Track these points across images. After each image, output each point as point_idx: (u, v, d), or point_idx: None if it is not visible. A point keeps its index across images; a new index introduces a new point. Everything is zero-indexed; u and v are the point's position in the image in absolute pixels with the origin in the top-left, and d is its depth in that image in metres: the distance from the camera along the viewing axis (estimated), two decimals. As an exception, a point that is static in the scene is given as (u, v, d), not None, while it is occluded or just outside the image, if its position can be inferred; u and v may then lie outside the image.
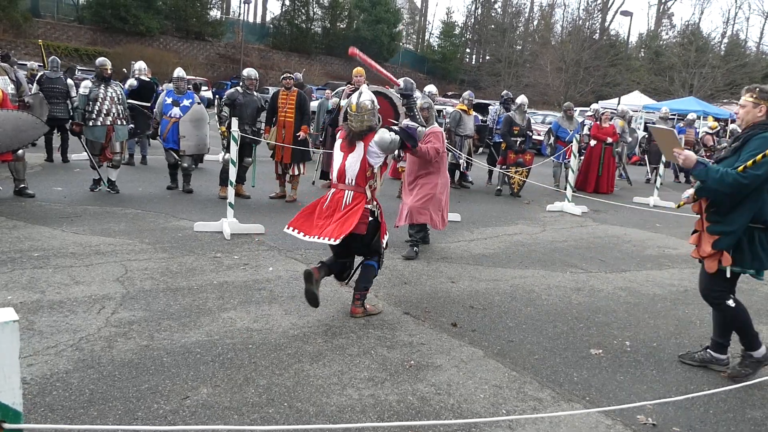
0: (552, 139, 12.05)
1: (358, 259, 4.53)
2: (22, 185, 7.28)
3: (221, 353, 3.52)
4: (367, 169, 4.30)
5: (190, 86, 9.00)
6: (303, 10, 42.78)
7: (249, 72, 8.43)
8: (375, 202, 4.40)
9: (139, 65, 10.59)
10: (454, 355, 3.75)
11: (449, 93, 30.90)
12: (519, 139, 10.49)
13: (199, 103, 8.72)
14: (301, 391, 3.16)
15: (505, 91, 12.99)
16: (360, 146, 4.32)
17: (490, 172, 11.76)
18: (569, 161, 11.46)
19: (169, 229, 6.31)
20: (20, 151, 7.12)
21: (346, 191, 4.32)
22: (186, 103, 8.53)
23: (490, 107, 14.16)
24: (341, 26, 45.29)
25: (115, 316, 3.94)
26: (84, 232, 5.92)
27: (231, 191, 6.43)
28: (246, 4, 42.78)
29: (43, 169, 9.44)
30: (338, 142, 4.47)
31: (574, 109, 12.63)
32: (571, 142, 11.34)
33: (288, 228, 4.38)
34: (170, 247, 5.66)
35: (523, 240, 7.22)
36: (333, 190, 4.42)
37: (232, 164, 6.43)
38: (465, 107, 10.83)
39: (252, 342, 3.71)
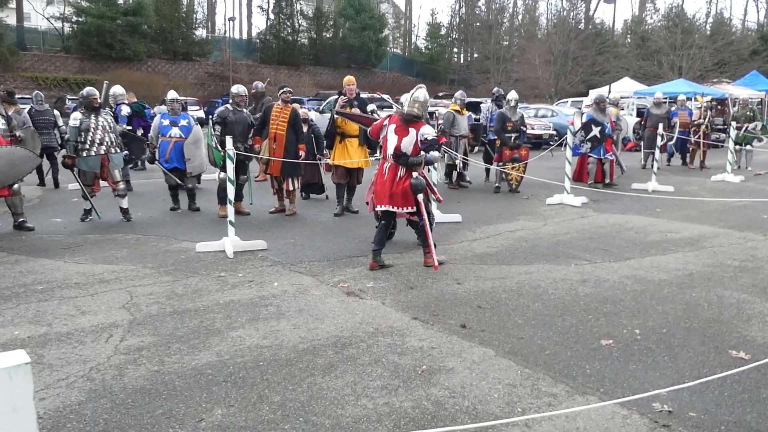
0: (591, 134, 10.90)
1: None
2: (21, 219, 7.28)
3: (233, 372, 3.51)
4: (419, 150, 5.57)
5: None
6: (288, 23, 42.93)
7: (238, 89, 8.42)
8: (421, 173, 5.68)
9: (116, 89, 10.72)
10: (465, 357, 3.75)
11: (440, 94, 30.83)
12: (513, 135, 10.49)
13: (196, 124, 8.80)
14: (315, 404, 3.15)
15: (495, 88, 12.95)
16: (412, 132, 5.58)
17: (488, 170, 11.76)
18: (610, 155, 11.27)
19: (172, 252, 6.31)
20: (15, 186, 7.13)
21: (401, 167, 5.60)
22: (183, 123, 8.58)
23: (482, 105, 14.16)
24: (327, 36, 45.42)
25: (124, 343, 3.93)
26: (86, 261, 5.92)
27: (231, 209, 6.43)
28: (231, 21, 43.02)
29: (41, 201, 9.45)
30: (392, 127, 5.68)
31: (608, 100, 11.79)
32: (609, 135, 11.17)
33: (369, 204, 6.18)
34: (174, 269, 5.66)
35: (525, 236, 7.22)
36: (389, 164, 5.65)
37: (230, 182, 6.43)
38: (458, 107, 10.84)
39: (263, 359, 3.70)
